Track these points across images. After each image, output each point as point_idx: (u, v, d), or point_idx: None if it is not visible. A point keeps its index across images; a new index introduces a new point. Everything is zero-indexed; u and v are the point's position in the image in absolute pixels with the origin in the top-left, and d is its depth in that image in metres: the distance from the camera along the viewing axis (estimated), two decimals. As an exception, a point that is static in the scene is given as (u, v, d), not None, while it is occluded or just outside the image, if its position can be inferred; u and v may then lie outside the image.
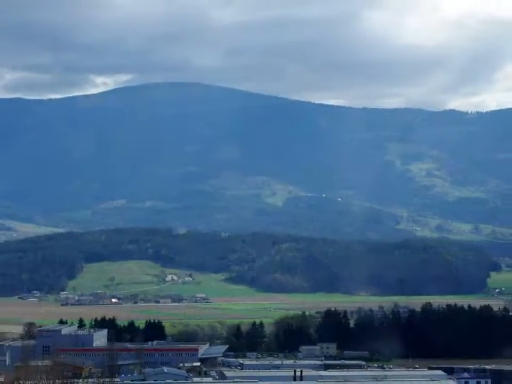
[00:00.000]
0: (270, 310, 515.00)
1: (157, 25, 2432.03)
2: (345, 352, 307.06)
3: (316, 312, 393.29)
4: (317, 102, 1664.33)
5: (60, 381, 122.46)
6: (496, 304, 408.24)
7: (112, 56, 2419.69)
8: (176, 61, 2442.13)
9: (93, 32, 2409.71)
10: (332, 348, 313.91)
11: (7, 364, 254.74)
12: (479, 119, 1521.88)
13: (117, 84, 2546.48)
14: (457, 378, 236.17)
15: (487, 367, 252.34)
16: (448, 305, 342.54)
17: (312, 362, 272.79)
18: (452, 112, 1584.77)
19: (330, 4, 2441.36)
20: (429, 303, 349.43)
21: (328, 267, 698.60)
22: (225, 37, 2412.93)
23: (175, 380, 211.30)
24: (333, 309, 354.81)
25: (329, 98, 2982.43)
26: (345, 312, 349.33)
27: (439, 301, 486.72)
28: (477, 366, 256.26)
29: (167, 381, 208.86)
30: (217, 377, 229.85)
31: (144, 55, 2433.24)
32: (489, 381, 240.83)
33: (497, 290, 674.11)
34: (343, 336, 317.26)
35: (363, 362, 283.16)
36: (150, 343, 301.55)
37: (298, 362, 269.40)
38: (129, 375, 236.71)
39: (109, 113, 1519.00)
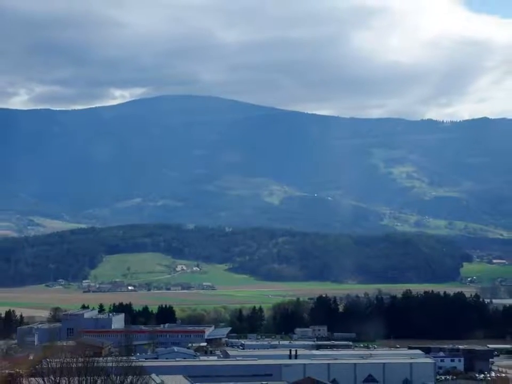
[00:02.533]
0: (269, 297, 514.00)
1: (168, 42, 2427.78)
2: (335, 334, 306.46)
3: (309, 298, 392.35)
4: (309, 112, 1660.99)
5: (82, 359, 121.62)
6: (469, 291, 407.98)
7: (129, 71, 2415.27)
8: (185, 75, 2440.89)
9: (112, 49, 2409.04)
10: (323, 330, 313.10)
11: (35, 344, 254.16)
12: (453, 127, 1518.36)
13: (133, 96, 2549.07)
14: (434, 357, 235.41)
15: (461, 347, 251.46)
16: (426, 292, 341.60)
17: (306, 342, 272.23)
18: (429, 121, 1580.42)
19: (321, 26, 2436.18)
20: (409, 290, 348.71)
21: (319, 258, 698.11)
22: (228, 54, 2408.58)
23: (184, 358, 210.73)
24: (324, 295, 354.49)
25: (321, 109, 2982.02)
26: (334, 298, 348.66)
27: (418, 288, 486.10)
28: (451, 346, 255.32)
29: (177, 359, 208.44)
30: (221, 356, 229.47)
31: (157, 70, 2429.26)
32: (462, 359, 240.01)
33: (469, 279, 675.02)
34: (333, 319, 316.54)
35: (351, 343, 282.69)
36: (162, 325, 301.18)
37: (293, 342, 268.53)
38: (143, 354, 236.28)
39: (126, 122, 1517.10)
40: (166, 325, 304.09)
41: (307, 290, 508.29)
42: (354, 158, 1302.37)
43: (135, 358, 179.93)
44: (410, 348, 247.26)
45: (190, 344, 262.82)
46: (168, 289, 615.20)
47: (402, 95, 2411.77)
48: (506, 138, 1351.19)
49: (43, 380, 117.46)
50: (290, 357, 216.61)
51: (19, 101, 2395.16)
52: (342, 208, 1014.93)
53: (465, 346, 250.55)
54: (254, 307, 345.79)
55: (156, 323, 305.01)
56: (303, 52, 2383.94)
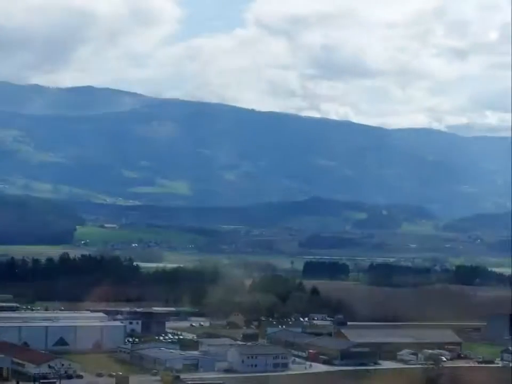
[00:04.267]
0: None
1: None
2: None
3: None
4: None
5: None
6: (83, 253, 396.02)
7: None
8: None
9: None
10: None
11: None
12: (58, 94, 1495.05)
13: None
14: (113, 320, 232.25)
15: (138, 310, 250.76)
16: (83, 255, 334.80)
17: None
18: (35, 86, 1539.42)
19: None
20: (66, 253, 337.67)
21: None
22: None
23: None
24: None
25: None
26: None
27: (34, 250, 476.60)
28: (129, 309, 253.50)
29: None
30: None
31: None
32: (140, 322, 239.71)
33: (82, 241, 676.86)
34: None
35: (16, 304, 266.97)
36: None
37: None
38: None
39: None
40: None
41: None
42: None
43: None
44: (91, 311, 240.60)
45: None
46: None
47: (6, 59, 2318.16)
48: (109, 106, 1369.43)
49: None
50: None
51: None
52: None
53: (143, 309, 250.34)
54: None
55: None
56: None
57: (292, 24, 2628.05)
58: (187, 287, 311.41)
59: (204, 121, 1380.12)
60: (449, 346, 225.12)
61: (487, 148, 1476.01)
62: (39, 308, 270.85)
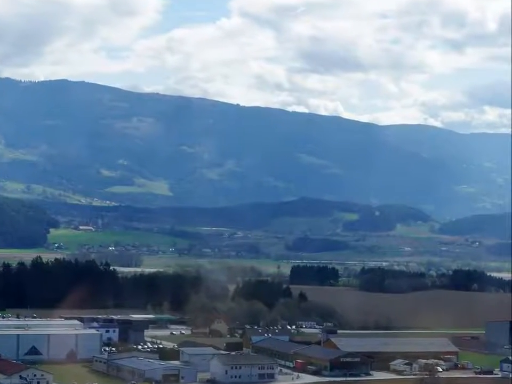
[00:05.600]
0: None
1: None
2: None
3: None
4: None
5: None
6: (56, 256, 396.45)
7: None
8: None
9: None
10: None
11: None
12: (31, 88, 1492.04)
13: None
14: (89, 328, 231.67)
15: (115, 317, 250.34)
16: (56, 259, 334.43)
17: None
18: (6, 80, 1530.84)
19: None
20: (39, 256, 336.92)
21: None
22: None
23: None
24: None
25: None
26: None
27: (6, 254, 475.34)
28: (105, 316, 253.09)
29: None
30: None
31: None
32: (117, 330, 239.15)
33: (56, 245, 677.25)
34: None
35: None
36: None
37: None
38: None
39: None
40: None
41: None
42: None
43: None
44: (66, 319, 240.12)
45: None
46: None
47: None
48: (85, 102, 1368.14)
49: None
50: None
51: None
52: None
53: (120, 316, 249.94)
54: None
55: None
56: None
57: (279, 14, 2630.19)
58: (167, 293, 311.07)
59: (186, 117, 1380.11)
60: (445, 356, 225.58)
61: (485, 145, 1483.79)
62: (10, 315, 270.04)
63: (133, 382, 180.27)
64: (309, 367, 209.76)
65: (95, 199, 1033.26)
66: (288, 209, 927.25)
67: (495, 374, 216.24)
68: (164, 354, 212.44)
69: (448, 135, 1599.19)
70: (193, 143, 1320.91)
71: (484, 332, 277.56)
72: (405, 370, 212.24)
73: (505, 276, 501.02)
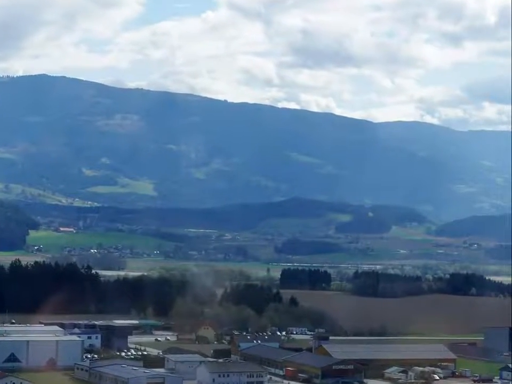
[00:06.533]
0: None
1: None
2: None
3: None
4: None
5: None
6: (37, 259, 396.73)
7: None
8: None
9: None
10: None
11: None
12: (9, 83, 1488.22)
13: None
14: (70, 334, 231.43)
15: (97, 323, 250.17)
16: (36, 262, 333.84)
17: None
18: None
19: None
20: (18, 259, 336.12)
21: None
22: None
23: None
24: None
25: None
26: None
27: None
28: (86, 321, 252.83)
29: None
30: None
31: None
32: (99, 336, 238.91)
33: (36, 247, 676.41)
34: None
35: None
36: None
37: None
38: None
39: None
40: None
41: None
42: None
43: None
44: (45, 324, 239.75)
45: None
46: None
47: None
48: (66, 97, 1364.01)
49: None
50: None
51: None
52: None
53: (103, 322, 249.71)
54: None
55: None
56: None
57: (268, 6, 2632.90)
58: (152, 298, 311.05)
59: (171, 113, 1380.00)
60: (442, 363, 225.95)
61: (484, 143, 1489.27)
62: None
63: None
64: (300, 375, 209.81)
65: (77, 199, 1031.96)
66: (278, 210, 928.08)
67: (495, 382, 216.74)
68: (148, 361, 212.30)
69: (445, 133, 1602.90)
70: (179, 140, 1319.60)
71: (483, 338, 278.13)
72: (400, 379, 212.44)
73: (505, 279, 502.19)
